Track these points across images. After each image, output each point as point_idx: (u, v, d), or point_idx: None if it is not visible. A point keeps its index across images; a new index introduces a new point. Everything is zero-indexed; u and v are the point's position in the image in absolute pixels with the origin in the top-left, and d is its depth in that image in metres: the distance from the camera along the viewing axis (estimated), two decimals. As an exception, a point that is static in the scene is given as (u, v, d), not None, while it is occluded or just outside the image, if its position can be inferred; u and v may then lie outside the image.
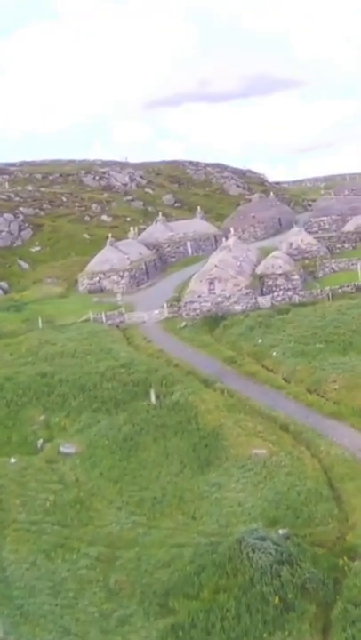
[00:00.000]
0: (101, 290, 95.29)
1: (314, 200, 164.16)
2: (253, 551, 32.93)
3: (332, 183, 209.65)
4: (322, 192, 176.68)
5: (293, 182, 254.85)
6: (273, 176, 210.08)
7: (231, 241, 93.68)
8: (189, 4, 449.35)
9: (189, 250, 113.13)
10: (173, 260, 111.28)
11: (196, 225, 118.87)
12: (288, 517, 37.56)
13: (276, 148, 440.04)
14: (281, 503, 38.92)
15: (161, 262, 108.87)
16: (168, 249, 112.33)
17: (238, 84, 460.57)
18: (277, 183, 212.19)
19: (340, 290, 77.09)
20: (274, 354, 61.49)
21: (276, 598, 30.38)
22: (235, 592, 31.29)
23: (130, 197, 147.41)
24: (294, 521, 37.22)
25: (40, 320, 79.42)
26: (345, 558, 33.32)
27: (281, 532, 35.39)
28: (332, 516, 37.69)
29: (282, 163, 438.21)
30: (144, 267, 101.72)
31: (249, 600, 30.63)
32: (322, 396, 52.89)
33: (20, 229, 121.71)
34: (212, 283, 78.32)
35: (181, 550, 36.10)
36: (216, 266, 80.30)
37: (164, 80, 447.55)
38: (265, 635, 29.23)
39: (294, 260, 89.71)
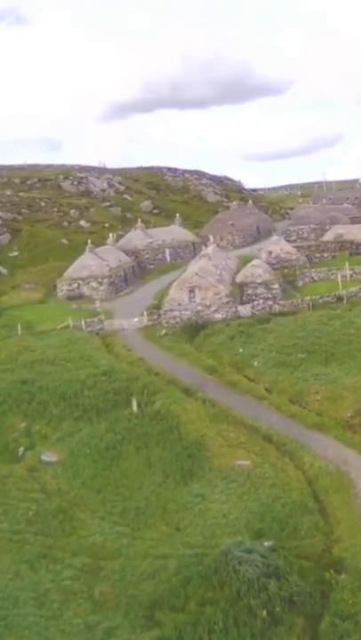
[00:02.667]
0: (80, 296, 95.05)
1: (291, 208, 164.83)
2: (240, 564, 32.82)
3: (308, 191, 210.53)
4: (300, 200, 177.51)
5: (269, 189, 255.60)
6: (248, 183, 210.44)
7: (210, 249, 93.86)
8: (161, 9, 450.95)
9: (168, 257, 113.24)
10: (152, 267, 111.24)
11: (175, 232, 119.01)
12: (273, 530, 37.50)
13: (248, 156, 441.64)
14: (266, 515, 38.86)
15: (140, 269, 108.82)
16: (147, 256, 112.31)
17: (211, 91, 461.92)
18: (254, 190, 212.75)
19: (320, 300, 77.28)
20: (255, 364, 61.48)
21: (264, 612, 30.23)
22: (222, 605, 31.09)
23: (108, 203, 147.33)
24: (280, 533, 37.17)
25: (19, 326, 79.07)
26: (331, 571, 33.29)
27: (267, 544, 35.37)
28: (318, 528, 37.68)
29: (255, 170, 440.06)
30: (123, 273, 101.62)
31: (236, 613, 30.44)
32: (304, 407, 52.91)
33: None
34: (192, 291, 78.29)
35: (166, 562, 35.88)
36: (196, 274, 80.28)
37: (136, 85, 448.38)
38: (253, 648, 29.18)
39: (274, 268, 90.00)
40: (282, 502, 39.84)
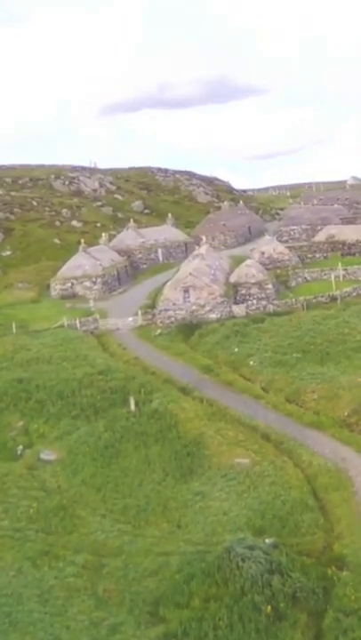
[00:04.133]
0: (74, 295, 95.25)
1: (282, 209, 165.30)
2: (243, 560, 33.21)
3: (297, 191, 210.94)
4: (290, 201, 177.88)
5: (258, 190, 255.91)
6: (237, 183, 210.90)
7: (204, 249, 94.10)
8: (148, 8, 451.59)
9: (160, 257, 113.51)
10: (145, 266, 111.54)
11: (167, 232, 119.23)
12: (274, 527, 37.89)
13: (236, 156, 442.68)
14: (266, 512, 39.25)
15: (132, 269, 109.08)
16: (139, 255, 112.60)
17: (198, 90, 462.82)
18: (244, 191, 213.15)
19: (314, 300, 77.69)
20: (251, 363, 61.86)
21: (268, 607, 30.67)
22: (226, 601, 31.49)
23: (99, 203, 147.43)
24: (281, 530, 37.57)
25: (14, 325, 79.23)
26: (333, 568, 33.74)
27: (268, 541, 35.77)
28: (318, 525, 38.14)
29: (243, 170, 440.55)
30: (116, 273, 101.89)
31: (241, 609, 30.85)
32: (301, 406, 53.41)
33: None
34: (186, 291, 78.56)
35: (168, 559, 36.27)
36: (191, 274, 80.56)
37: (123, 84, 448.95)
38: (258, 643, 29.56)
39: (267, 269, 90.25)
40: (282, 500, 40.22)
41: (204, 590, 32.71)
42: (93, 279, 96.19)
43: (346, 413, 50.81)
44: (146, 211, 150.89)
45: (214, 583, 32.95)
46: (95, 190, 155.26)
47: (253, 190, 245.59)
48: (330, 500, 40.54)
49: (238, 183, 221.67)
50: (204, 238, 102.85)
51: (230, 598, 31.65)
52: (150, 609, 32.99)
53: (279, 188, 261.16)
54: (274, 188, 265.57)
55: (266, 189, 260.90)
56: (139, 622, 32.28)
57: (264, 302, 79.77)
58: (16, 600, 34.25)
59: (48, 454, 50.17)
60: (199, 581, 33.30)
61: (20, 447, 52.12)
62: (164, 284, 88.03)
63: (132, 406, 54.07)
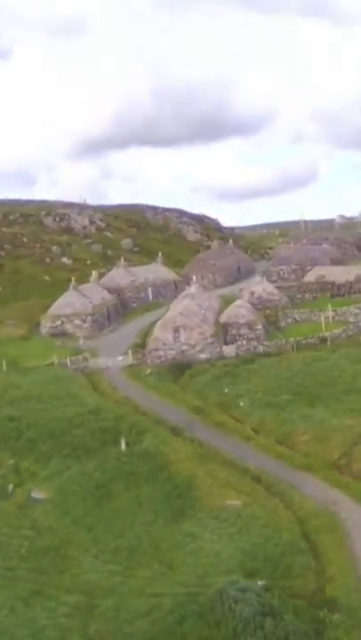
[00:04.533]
0: (63, 333, 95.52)
1: (271, 248, 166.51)
2: (236, 602, 33.38)
3: (286, 230, 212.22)
4: (279, 240, 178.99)
5: (246, 228, 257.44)
6: (225, 221, 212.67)
7: (194, 288, 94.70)
8: (134, 46, 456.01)
9: (150, 296, 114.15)
10: (135, 305, 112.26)
11: (157, 271, 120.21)
12: (266, 569, 37.94)
13: (222, 195, 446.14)
14: (258, 554, 39.33)
15: (122, 307, 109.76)
16: (129, 294, 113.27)
17: (183, 129, 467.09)
18: (232, 229, 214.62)
19: (304, 341, 78.21)
20: (241, 404, 62.28)
21: (261, 650, 30.87)
22: (219, 643, 31.70)
23: (89, 240, 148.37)
24: (273, 573, 37.62)
25: (4, 363, 79.42)
26: (325, 610, 33.92)
27: (260, 583, 35.85)
28: (310, 568, 38.28)
29: (229, 209, 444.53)
30: (106, 311, 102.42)
31: (234, 652, 31.07)
32: (291, 448, 53.78)
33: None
34: (177, 331, 79.14)
35: (160, 600, 36.23)
36: (181, 314, 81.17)
37: (108, 121, 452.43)
38: None
39: (256, 309, 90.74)
40: (274, 542, 40.34)
41: (197, 632, 32.80)
42: (83, 317, 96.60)
43: (336, 456, 51.15)
44: (135, 249, 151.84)
45: (207, 625, 33.05)
46: (85, 227, 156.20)
47: (241, 228, 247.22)
48: (321, 543, 40.76)
49: (226, 221, 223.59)
50: (194, 278, 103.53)
51: (223, 641, 31.84)
52: (143, 651, 33.05)
53: (267, 226, 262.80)
54: (262, 226, 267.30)
55: (254, 227, 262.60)
56: (131, 664, 32.37)
57: (254, 343, 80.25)
58: (9, 639, 34.31)
59: (39, 493, 50.25)
60: (192, 623, 33.38)
61: (11, 486, 52.12)
62: (154, 323, 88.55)
63: (123, 446, 54.27)
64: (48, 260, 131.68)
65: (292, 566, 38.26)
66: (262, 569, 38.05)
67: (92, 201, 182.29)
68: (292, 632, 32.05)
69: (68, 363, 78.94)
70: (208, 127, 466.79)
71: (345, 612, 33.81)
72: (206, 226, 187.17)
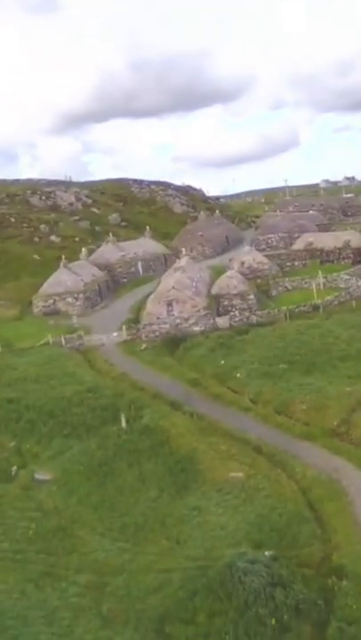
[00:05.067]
0: (56, 312, 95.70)
1: (257, 216, 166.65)
2: (245, 574, 33.73)
3: (271, 196, 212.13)
4: (265, 208, 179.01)
5: (231, 197, 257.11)
6: (209, 191, 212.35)
7: (184, 261, 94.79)
8: (110, 18, 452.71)
9: (140, 270, 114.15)
10: (125, 280, 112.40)
11: (146, 245, 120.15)
12: (273, 540, 38.29)
13: (205, 163, 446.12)
14: (264, 526, 39.67)
15: (113, 283, 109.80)
16: (120, 269, 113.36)
17: (164, 99, 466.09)
18: (217, 198, 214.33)
19: (296, 309, 78.46)
20: (238, 375, 62.50)
21: (273, 620, 31.24)
22: (231, 615, 31.97)
23: (77, 217, 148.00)
24: (279, 543, 37.99)
25: (-2, 344, 79.58)
26: (333, 578, 34.33)
27: (268, 554, 36.21)
28: (316, 536, 38.66)
29: (213, 177, 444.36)
30: (97, 288, 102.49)
31: (246, 623, 31.34)
32: (290, 417, 54.04)
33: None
34: (170, 304, 79.30)
35: (170, 575, 36.62)
36: (173, 287, 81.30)
37: (88, 95, 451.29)
38: (266, 656, 30.13)
39: (247, 279, 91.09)
40: (278, 512, 40.69)
41: (209, 605, 33.15)
42: (75, 295, 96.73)
43: (335, 423, 51.48)
44: (123, 223, 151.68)
45: (218, 598, 33.38)
46: (72, 204, 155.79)
47: (226, 197, 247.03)
48: (325, 511, 41.13)
49: (211, 190, 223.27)
50: (183, 250, 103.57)
51: (235, 612, 32.13)
52: (156, 626, 33.28)
53: (252, 193, 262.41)
54: (246, 193, 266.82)
55: (238, 195, 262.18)
56: (145, 640, 32.76)
57: (247, 313, 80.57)
58: (22, 622, 34.46)
59: (42, 474, 50.44)
60: (203, 597, 33.71)
61: (14, 468, 52.22)
62: (146, 297, 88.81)
63: (123, 423, 54.47)
64: (36, 238, 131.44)
65: (298, 536, 38.62)
66: (269, 540, 38.39)
67: (77, 178, 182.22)
68: (303, 601, 32.47)
69: (63, 341, 79.06)
70: (188, 96, 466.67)
71: (353, 578, 34.16)
72: (192, 197, 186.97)
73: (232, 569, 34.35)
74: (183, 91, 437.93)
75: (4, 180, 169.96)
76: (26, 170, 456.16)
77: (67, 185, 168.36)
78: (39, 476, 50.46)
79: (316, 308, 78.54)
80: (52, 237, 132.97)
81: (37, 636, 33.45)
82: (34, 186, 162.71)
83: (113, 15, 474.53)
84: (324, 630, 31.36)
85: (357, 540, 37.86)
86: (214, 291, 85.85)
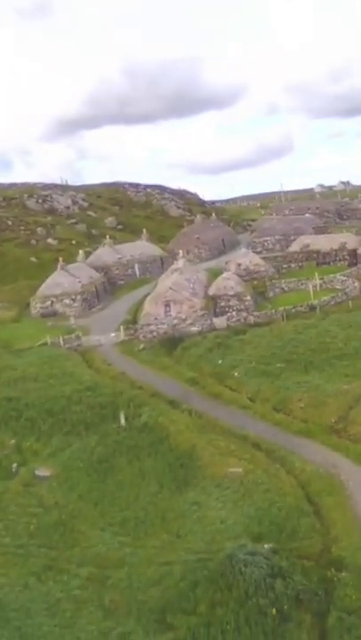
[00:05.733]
0: (54, 313, 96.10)
1: (253, 220, 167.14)
2: (245, 566, 34.14)
3: (266, 201, 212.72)
4: (262, 212, 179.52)
5: (227, 201, 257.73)
6: (204, 195, 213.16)
7: (181, 263, 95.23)
8: (104, 24, 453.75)
9: (137, 272, 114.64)
10: (122, 282, 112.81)
11: (142, 247, 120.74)
12: (272, 533, 38.73)
13: (200, 169, 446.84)
14: (263, 519, 40.10)
15: (110, 285, 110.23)
16: (116, 272, 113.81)
17: (157, 105, 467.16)
18: (212, 202, 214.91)
19: (293, 310, 78.92)
20: (236, 374, 62.93)
21: (273, 610, 31.64)
22: (232, 606, 32.34)
23: (73, 220, 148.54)
24: (279, 536, 38.41)
25: (-3, 345, 79.92)
26: (333, 570, 34.77)
27: (267, 546, 36.65)
28: (315, 529, 39.07)
29: (207, 183, 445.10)
30: (95, 290, 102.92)
31: (247, 613, 31.73)
32: (289, 415, 54.48)
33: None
34: (167, 305, 79.74)
35: (171, 568, 36.97)
36: (171, 288, 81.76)
37: (81, 101, 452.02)
38: (266, 645, 30.52)
39: (244, 280, 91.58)
40: (278, 506, 41.10)
41: (210, 596, 33.50)
42: (73, 296, 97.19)
43: (333, 420, 51.93)
44: (119, 226, 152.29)
45: (219, 589, 33.74)
46: (68, 207, 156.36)
47: (221, 201, 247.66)
48: (324, 505, 41.54)
49: (206, 195, 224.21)
50: (181, 252, 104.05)
51: (236, 603, 32.50)
52: (157, 617, 33.64)
53: (247, 198, 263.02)
54: (241, 198, 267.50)
55: (234, 200, 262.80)
56: (147, 630, 32.96)
57: (244, 314, 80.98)
58: (25, 614, 34.85)
59: (43, 471, 50.78)
60: (204, 588, 34.08)
61: (15, 465, 52.56)
62: (144, 298, 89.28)
63: (123, 421, 54.84)
64: (34, 241, 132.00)
65: (298, 529, 39.05)
66: (268, 533, 38.83)
67: (73, 181, 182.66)
68: (303, 592, 32.89)
69: (61, 342, 79.45)
70: (182, 102, 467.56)
71: (352, 570, 34.65)
72: (188, 201, 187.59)
73: (232, 560, 34.76)
74: (177, 97, 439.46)
75: (1, 184, 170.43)
76: (20, 176, 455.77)
77: (63, 188, 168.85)
78: (40, 472, 50.78)
79: (312, 308, 78.98)
80: (49, 240, 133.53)
81: (40, 628, 33.83)
82: (30, 189, 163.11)
83: (107, 21, 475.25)
84: (324, 620, 31.81)
85: (356, 533, 38.31)
86: (211, 292, 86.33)
